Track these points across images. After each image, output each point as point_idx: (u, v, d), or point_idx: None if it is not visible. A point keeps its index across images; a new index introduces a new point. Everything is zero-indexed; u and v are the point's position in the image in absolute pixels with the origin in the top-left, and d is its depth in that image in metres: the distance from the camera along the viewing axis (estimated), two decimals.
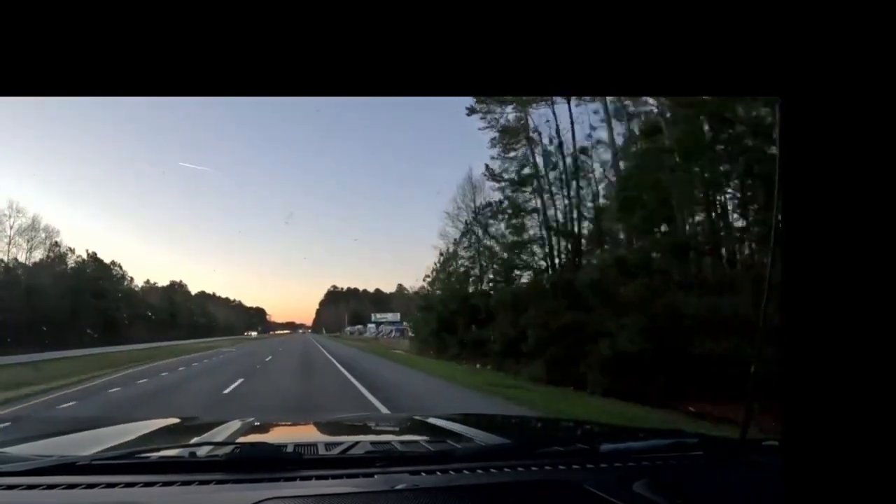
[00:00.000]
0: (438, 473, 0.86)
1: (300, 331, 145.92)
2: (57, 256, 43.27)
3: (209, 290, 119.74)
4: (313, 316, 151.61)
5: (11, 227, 37.90)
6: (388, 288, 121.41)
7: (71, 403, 8.35)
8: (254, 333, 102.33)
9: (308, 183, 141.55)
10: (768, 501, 0.74)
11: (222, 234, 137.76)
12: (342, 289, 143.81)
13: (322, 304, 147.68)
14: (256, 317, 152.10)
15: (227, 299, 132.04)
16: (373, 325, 78.52)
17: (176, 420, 1.80)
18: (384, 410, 7.07)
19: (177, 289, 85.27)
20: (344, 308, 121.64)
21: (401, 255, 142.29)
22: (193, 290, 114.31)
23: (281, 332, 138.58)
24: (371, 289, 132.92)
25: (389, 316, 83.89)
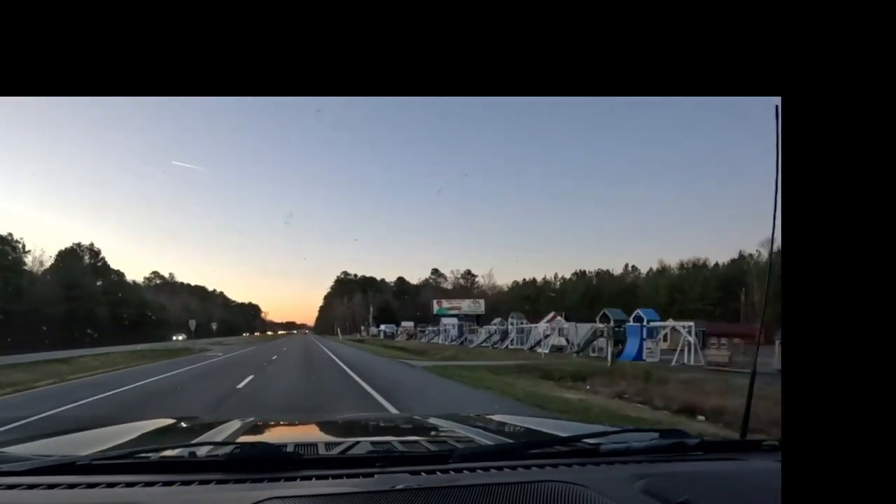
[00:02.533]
0: (438, 473, 0.86)
1: (294, 331, 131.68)
2: None
3: (165, 273, 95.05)
4: (315, 314, 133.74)
5: None
6: (412, 278, 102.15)
7: None
8: (180, 337, 42.98)
9: (308, 181, 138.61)
10: (768, 501, 0.74)
11: (222, 234, 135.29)
12: (354, 276, 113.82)
13: (328, 297, 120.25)
14: (248, 314, 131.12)
15: (201, 288, 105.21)
16: (451, 321, 47.96)
17: (176, 420, 1.80)
18: None
19: (81, 256, 52.99)
20: (361, 301, 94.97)
21: (410, 250, 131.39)
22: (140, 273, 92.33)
23: (274, 333, 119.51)
24: (390, 278, 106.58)
25: (467, 305, 53.92)
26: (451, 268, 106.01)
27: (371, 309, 79.55)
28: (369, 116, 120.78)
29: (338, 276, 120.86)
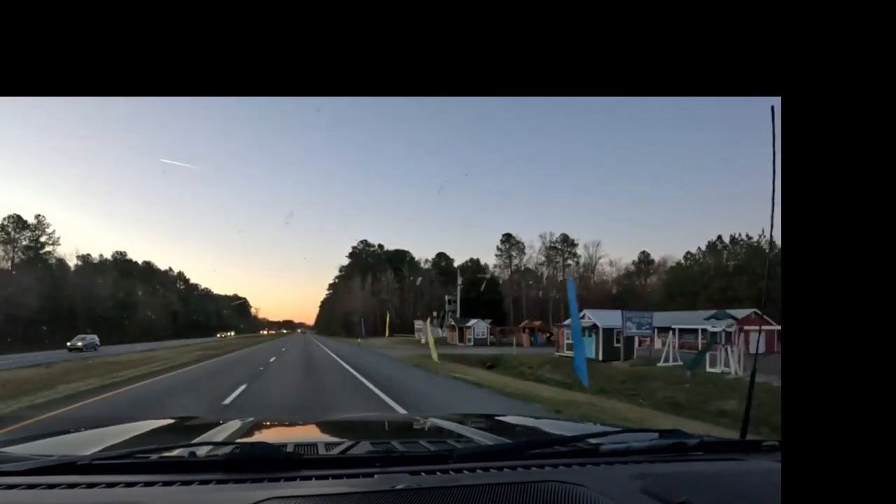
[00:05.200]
0: (438, 473, 0.86)
1: (285, 330, 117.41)
2: None
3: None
4: (316, 311, 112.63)
5: None
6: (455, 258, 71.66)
7: None
8: None
9: (308, 178, 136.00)
10: (768, 501, 0.74)
11: (221, 232, 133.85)
12: (378, 247, 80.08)
13: (334, 286, 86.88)
14: (234, 309, 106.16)
15: (149, 266, 77.55)
16: None
17: (176, 420, 1.80)
18: None
19: None
20: (394, 282, 67.69)
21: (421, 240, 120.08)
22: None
23: (222, 336, 71.42)
24: (422, 256, 76.24)
25: None
26: (540, 231, 75.79)
27: (457, 291, 43.52)
28: (369, 114, 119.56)
29: (353, 248, 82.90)
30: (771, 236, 0.89)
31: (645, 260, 61.20)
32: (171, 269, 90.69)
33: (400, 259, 75.27)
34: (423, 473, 0.85)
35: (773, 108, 0.81)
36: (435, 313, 46.15)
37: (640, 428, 1.50)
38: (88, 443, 1.20)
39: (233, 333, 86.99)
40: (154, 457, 0.93)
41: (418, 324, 44.37)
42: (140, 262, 79.73)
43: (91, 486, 0.79)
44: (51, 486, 0.79)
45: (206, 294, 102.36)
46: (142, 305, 66.65)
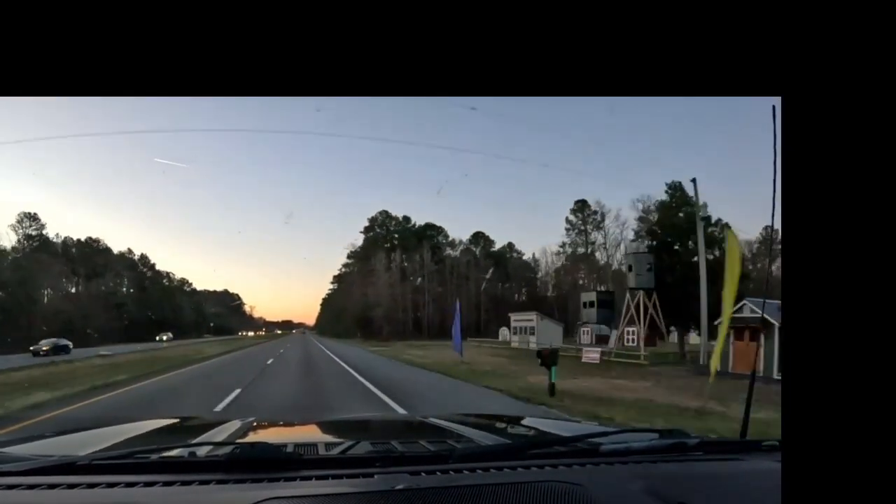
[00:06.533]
0: (438, 473, 0.86)
1: (279, 331, 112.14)
2: None
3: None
4: (317, 310, 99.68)
5: None
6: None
7: None
8: None
9: (308, 177, 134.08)
10: (768, 501, 0.74)
11: (221, 233, 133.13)
12: (404, 219, 60.52)
13: (341, 277, 68.76)
14: (224, 307, 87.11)
15: (91, 244, 54.56)
16: None
17: (176, 420, 1.80)
18: None
19: None
20: (432, 263, 50.19)
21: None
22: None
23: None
24: (455, 237, 59.28)
25: None
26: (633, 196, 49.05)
27: (699, 232, 16.15)
28: (370, 113, 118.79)
29: (370, 219, 61.90)
30: (771, 236, 0.88)
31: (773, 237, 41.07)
32: (130, 250, 65.16)
33: (431, 236, 57.78)
34: (422, 473, 0.85)
35: (773, 107, 0.81)
36: (591, 299, 24.50)
37: (640, 428, 1.50)
38: (88, 443, 1.20)
39: (165, 338, 53.23)
40: (154, 457, 0.93)
41: (524, 316, 24.78)
42: (79, 238, 54.14)
43: (91, 486, 0.79)
44: (51, 487, 0.79)
45: (182, 287, 78.76)
46: (55, 297, 46.25)
